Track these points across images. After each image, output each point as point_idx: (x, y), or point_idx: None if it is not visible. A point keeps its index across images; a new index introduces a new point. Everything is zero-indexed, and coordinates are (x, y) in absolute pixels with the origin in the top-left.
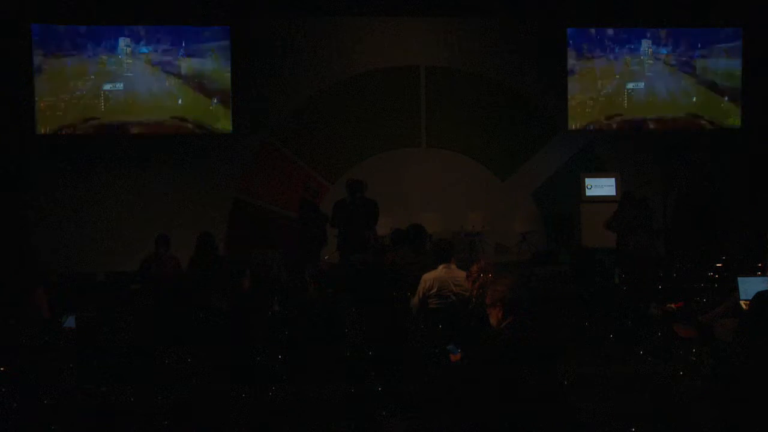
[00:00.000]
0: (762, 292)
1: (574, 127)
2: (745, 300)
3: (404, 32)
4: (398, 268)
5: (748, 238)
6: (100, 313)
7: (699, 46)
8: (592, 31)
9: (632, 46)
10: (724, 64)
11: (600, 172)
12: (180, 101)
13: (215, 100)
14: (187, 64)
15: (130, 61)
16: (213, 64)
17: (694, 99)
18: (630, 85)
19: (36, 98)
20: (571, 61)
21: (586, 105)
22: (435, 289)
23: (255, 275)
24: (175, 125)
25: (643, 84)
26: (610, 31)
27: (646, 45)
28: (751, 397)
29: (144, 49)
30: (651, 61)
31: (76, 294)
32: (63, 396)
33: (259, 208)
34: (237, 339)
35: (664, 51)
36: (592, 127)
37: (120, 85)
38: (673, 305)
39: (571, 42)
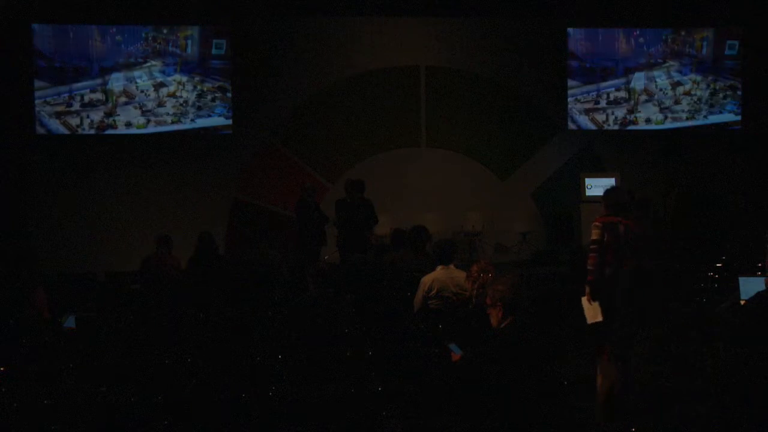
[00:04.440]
0: (761, 292)
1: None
2: (745, 300)
3: (404, 32)
4: (398, 268)
5: (748, 238)
6: (100, 313)
7: (699, 45)
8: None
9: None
10: (724, 63)
11: (600, 172)
12: (180, 100)
13: (215, 100)
14: (186, 64)
15: (130, 60)
16: (213, 63)
17: (695, 99)
18: (631, 85)
19: (36, 98)
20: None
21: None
22: (434, 291)
23: (255, 274)
24: (175, 125)
25: (643, 83)
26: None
27: (646, 45)
28: (751, 396)
29: (144, 50)
30: (651, 61)
31: (76, 294)
32: (63, 396)
33: (259, 208)
34: (237, 339)
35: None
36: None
37: (119, 85)
38: None
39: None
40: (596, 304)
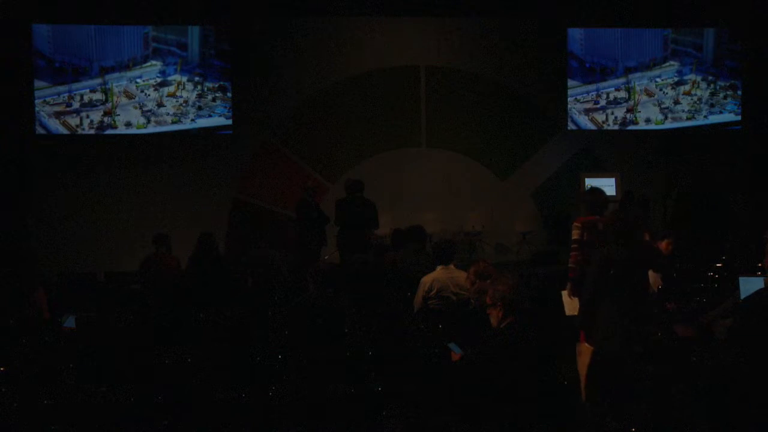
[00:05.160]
0: (761, 290)
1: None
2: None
3: (404, 32)
4: (398, 268)
5: (748, 238)
6: (100, 313)
7: (699, 45)
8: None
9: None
10: (724, 63)
11: (600, 172)
12: (180, 100)
13: (215, 100)
14: (187, 64)
15: (130, 60)
16: (213, 63)
17: (695, 98)
18: (631, 85)
19: (36, 98)
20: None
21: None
22: (434, 291)
23: (255, 274)
24: (175, 125)
25: (643, 83)
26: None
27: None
28: (748, 395)
29: (144, 50)
30: (651, 61)
31: (76, 294)
32: (63, 396)
33: (259, 208)
34: (237, 339)
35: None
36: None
37: (119, 85)
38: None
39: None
40: (576, 299)
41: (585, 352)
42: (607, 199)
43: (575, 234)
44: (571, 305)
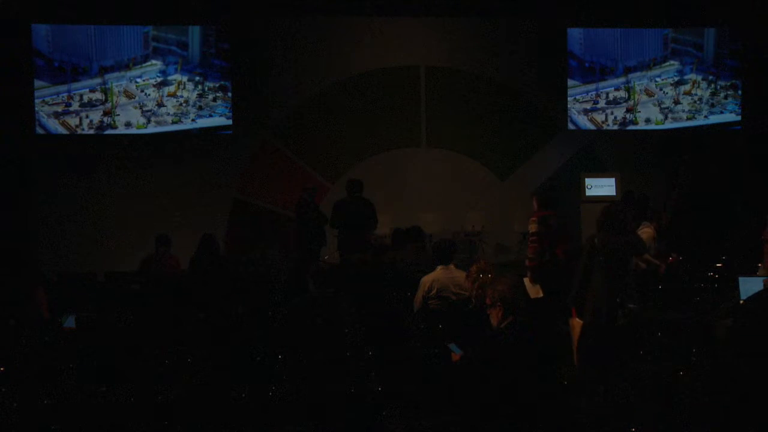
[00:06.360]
0: (761, 291)
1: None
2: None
3: (404, 32)
4: (398, 268)
5: (748, 238)
6: (100, 313)
7: (699, 44)
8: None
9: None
10: (725, 63)
11: (600, 172)
12: (180, 100)
13: (216, 100)
14: (187, 64)
15: (130, 59)
16: (213, 62)
17: (695, 98)
18: (631, 84)
19: (35, 98)
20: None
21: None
22: (434, 291)
23: (255, 274)
24: (175, 125)
25: (643, 83)
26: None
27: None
28: (748, 395)
29: (144, 49)
30: (651, 61)
31: (76, 294)
32: (63, 396)
33: (259, 208)
34: (237, 339)
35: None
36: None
37: (119, 85)
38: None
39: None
40: (537, 285)
41: (576, 326)
42: (557, 198)
43: (533, 228)
44: (533, 290)
